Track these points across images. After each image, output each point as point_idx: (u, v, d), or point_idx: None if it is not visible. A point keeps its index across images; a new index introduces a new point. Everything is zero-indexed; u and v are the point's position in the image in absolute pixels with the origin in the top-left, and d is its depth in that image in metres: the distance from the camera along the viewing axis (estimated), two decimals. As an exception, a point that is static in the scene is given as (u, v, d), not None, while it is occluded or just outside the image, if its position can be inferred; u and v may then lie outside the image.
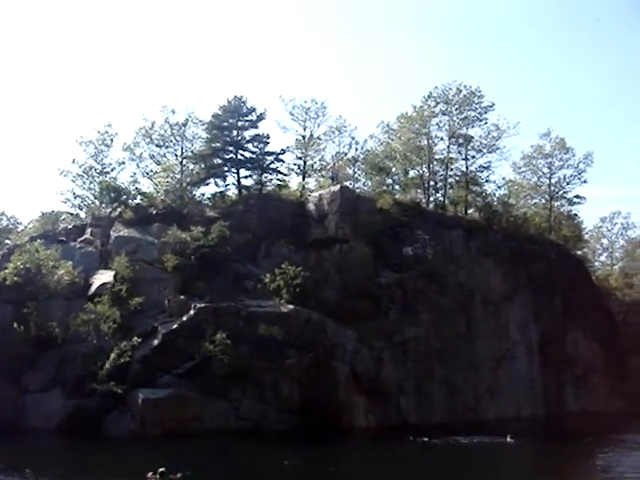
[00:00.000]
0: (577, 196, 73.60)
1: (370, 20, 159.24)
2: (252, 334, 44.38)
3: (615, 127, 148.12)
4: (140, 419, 40.17)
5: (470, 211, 66.69)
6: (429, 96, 66.50)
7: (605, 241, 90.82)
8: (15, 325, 42.60)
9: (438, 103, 66.51)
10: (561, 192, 73.36)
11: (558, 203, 74.28)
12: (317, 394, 43.88)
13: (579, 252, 76.42)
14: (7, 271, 45.07)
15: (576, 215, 76.85)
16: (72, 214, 62.89)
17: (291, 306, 46.64)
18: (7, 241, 65.98)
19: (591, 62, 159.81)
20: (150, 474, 28.11)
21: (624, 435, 45.93)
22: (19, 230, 71.72)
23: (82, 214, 61.81)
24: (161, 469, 28.17)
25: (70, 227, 55.62)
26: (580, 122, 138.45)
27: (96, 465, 32.67)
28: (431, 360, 51.70)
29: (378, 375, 48.32)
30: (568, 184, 72.60)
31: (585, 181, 71.99)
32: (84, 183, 62.08)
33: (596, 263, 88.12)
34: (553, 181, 72.74)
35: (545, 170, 72.80)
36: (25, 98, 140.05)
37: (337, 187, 55.71)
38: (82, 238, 52.82)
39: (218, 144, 60.76)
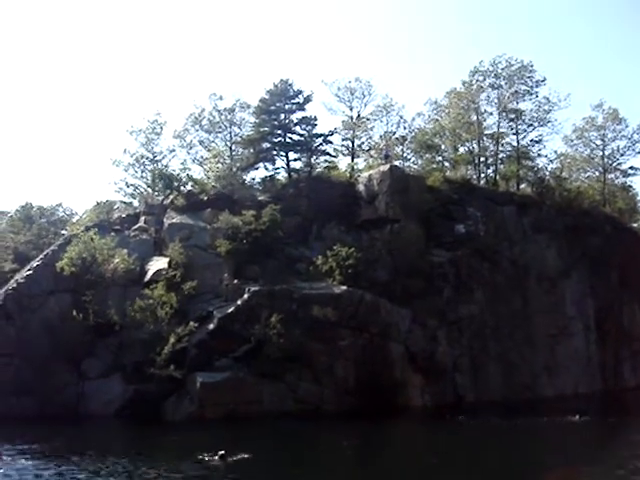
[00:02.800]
0: (632, 167, 72.36)
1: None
2: (306, 316, 44.60)
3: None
4: (199, 402, 40.70)
5: (522, 186, 65.76)
6: (476, 70, 65.61)
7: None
8: (74, 314, 43.46)
9: (487, 77, 65.56)
10: (615, 164, 72.12)
11: (612, 175, 73.07)
12: (373, 374, 44.03)
13: (635, 224, 75.12)
14: (64, 261, 45.88)
15: (631, 187, 75.74)
16: (125, 203, 64.03)
17: (344, 287, 46.66)
18: (63, 232, 67.27)
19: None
20: (207, 456, 28.56)
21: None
22: (74, 220, 73.01)
23: (135, 202, 62.90)
24: (221, 452, 28.59)
25: (124, 216, 56.35)
26: (633, 92, 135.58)
27: (156, 448, 33.33)
28: (486, 338, 51.37)
29: (433, 354, 48.21)
30: (622, 155, 71.32)
31: (639, 152, 70.76)
32: (136, 172, 63.03)
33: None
34: (606, 153, 71.49)
35: (598, 142, 71.59)
36: (77, 91, 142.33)
37: (387, 167, 55.40)
38: (136, 226, 53.52)
39: (266, 128, 60.81)
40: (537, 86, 64.71)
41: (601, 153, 71.64)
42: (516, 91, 65.06)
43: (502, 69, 64.81)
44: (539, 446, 33.74)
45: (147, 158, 63.15)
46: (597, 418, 42.07)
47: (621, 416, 42.77)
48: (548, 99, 64.69)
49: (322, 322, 44.61)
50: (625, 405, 49.63)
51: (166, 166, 62.84)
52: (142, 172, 62.97)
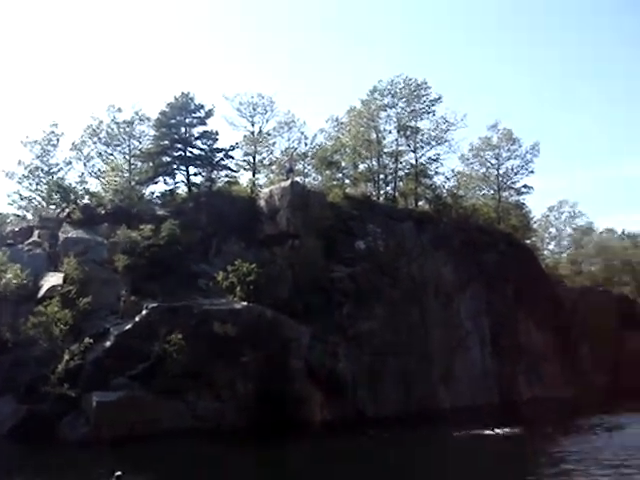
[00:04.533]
0: (525, 186, 74.82)
1: (314, 15, 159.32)
2: (206, 333, 43.92)
3: (563, 115, 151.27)
4: (95, 422, 39.41)
5: (420, 203, 67.26)
6: (374, 90, 66.91)
7: (553, 230, 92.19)
8: (-37, 330, 41.76)
9: (385, 96, 66.87)
10: (509, 182, 74.54)
11: (506, 193, 75.34)
12: (274, 390, 43.67)
13: (528, 241, 77.54)
14: (-48, 276, 44.08)
15: (524, 205, 77.96)
16: (19, 216, 61.75)
17: (244, 303, 46.39)
18: (-48, 245, 64.67)
19: (530, 55, 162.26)
20: (103, 478, 27.74)
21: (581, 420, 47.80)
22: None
23: (29, 216, 60.74)
24: (117, 473, 27.76)
25: (17, 229, 54.54)
26: (526, 113, 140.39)
27: (50, 470, 32.15)
28: (385, 353, 51.71)
29: (333, 369, 48.21)
30: (516, 174, 73.94)
31: (532, 171, 73.56)
32: (30, 184, 61.06)
33: (545, 252, 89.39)
34: (501, 172, 73.97)
35: (493, 161, 74.01)
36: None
37: (287, 182, 55.68)
38: (30, 240, 51.86)
39: (166, 142, 60.04)
40: (433, 105, 66.58)
41: (496, 172, 73.94)
42: (413, 110, 66.63)
43: (400, 89, 66.17)
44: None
45: (42, 170, 61.37)
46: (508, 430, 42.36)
47: (527, 427, 43.76)
48: (445, 119, 66.55)
49: (223, 338, 44.05)
50: (526, 416, 50.78)
51: (62, 178, 61.27)
52: (37, 184, 61.14)
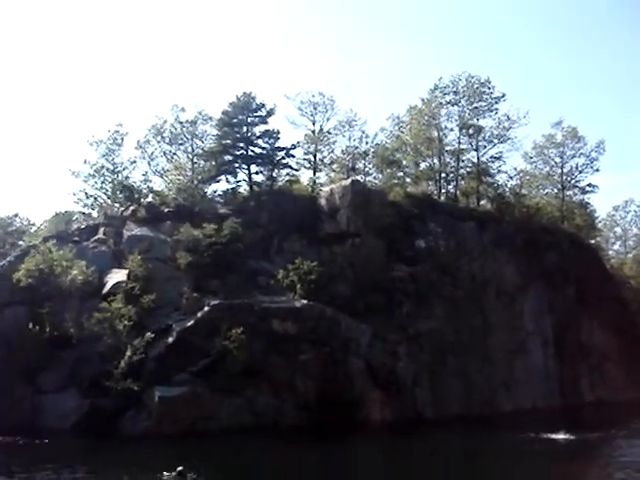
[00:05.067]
0: (589, 184, 73.61)
1: (378, 12, 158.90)
2: (266, 330, 44.32)
3: (627, 112, 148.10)
4: (156, 417, 40.05)
5: (482, 202, 66.62)
6: (436, 87, 66.45)
7: (618, 229, 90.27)
8: (30, 326, 42.67)
9: (446, 94, 66.36)
10: (573, 181, 73.53)
11: (570, 192, 74.24)
12: (332, 389, 43.82)
13: (592, 241, 76.26)
14: (21, 273, 45.09)
15: (588, 204, 76.65)
16: (85, 214, 63.16)
17: (304, 301, 46.58)
18: (21, 242, 66.31)
19: (599, 49, 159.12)
20: (166, 473, 28.15)
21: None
22: (32, 231, 72.02)
23: (94, 214, 62.01)
24: (179, 468, 28.17)
25: (83, 227, 55.58)
26: (590, 110, 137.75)
27: (112, 464, 32.60)
28: (446, 353, 51.49)
29: (393, 369, 48.11)
30: (580, 173, 72.87)
31: (597, 169, 72.44)
32: (96, 183, 62.24)
33: (610, 252, 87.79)
34: (565, 170, 72.92)
35: (557, 159, 73.00)
36: (36, 99, 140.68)
37: (348, 181, 55.76)
38: (95, 238, 52.76)
39: (228, 141, 60.74)
40: (497, 102, 65.76)
41: (560, 170, 72.91)
42: (476, 107, 65.90)
43: (462, 86, 65.58)
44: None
45: (107, 169, 62.52)
46: (576, 435, 40.96)
47: (598, 431, 42.64)
48: (508, 116, 65.78)
49: (282, 336, 44.42)
50: (589, 420, 49.99)
51: (127, 177, 62.50)
52: (102, 183, 62.28)
